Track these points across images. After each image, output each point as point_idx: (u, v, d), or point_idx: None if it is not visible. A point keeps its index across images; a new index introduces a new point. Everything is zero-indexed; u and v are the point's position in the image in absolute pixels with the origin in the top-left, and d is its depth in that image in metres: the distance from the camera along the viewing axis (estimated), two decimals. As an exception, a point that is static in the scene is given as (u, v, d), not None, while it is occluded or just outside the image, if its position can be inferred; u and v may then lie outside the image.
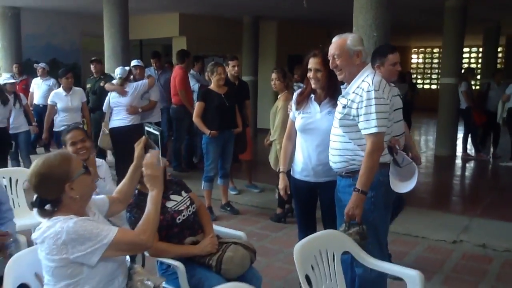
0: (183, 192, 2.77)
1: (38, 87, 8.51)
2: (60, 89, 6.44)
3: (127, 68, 6.38)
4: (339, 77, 2.68)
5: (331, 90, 2.94)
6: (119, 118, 5.97)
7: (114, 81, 6.29)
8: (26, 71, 9.33)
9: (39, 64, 8.68)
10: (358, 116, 2.53)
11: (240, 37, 11.28)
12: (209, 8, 10.19)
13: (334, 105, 2.83)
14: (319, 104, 2.99)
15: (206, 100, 5.08)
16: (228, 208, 5.37)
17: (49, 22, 10.85)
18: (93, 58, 7.94)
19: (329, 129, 2.80)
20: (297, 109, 3.06)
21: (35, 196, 1.94)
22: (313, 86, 2.96)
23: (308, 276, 2.18)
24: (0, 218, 2.67)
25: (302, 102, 3.04)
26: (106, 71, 7.69)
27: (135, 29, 8.47)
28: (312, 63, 2.91)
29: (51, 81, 8.54)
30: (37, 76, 8.66)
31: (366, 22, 5.13)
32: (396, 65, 3.24)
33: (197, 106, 5.13)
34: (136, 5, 8.40)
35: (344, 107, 2.60)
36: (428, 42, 18.49)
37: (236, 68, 5.81)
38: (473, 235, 4.59)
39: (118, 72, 6.16)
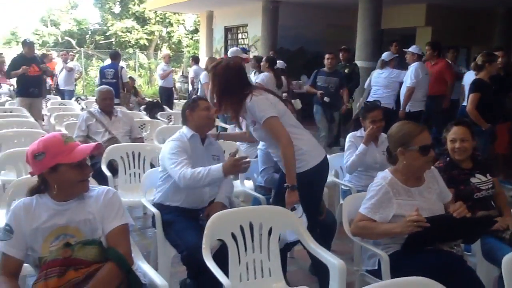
0: (488, 175, 3.01)
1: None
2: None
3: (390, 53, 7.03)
4: None
5: (230, 106, 2.83)
6: (375, 96, 6.67)
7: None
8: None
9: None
10: None
11: (489, 29, 10.63)
12: (461, -1, 9.90)
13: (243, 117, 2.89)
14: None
15: (482, 91, 4.92)
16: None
17: (300, 14, 11.98)
18: (342, 47, 8.61)
19: (257, 137, 2.95)
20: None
21: None
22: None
23: None
24: None
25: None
26: (356, 60, 8.27)
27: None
28: None
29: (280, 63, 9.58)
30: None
31: None
32: None
33: (473, 97, 4.92)
34: (389, -3, 8.73)
35: None
36: None
37: (500, 59, 5.64)
38: None
39: (383, 56, 6.92)
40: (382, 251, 2.38)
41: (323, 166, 2.82)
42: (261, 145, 3.42)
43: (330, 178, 3.99)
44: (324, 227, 3.04)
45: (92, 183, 2.65)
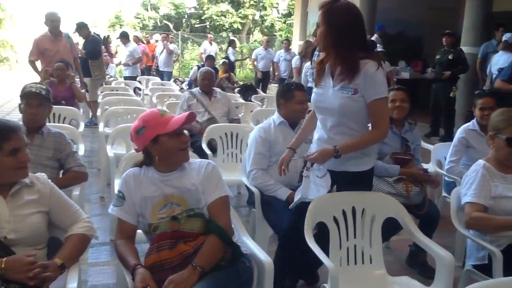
0: None
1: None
2: None
3: None
4: None
5: (339, 57, 2.23)
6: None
7: None
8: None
9: None
10: None
11: None
12: None
13: (349, 78, 2.21)
14: (333, 77, 2.30)
15: None
16: None
17: (402, -3, 11.48)
18: (446, 31, 8.10)
19: (342, 109, 2.25)
20: (316, 80, 2.41)
21: None
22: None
23: None
24: None
25: (320, 72, 2.36)
26: (462, 45, 7.73)
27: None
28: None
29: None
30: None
31: None
32: None
33: None
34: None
35: None
36: None
37: None
38: None
39: (506, 37, 6.65)
40: (494, 247, 2.23)
41: (370, 175, 2.45)
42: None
43: (433, 168, 3.80)
44: (427, 219, 2.91)
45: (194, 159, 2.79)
